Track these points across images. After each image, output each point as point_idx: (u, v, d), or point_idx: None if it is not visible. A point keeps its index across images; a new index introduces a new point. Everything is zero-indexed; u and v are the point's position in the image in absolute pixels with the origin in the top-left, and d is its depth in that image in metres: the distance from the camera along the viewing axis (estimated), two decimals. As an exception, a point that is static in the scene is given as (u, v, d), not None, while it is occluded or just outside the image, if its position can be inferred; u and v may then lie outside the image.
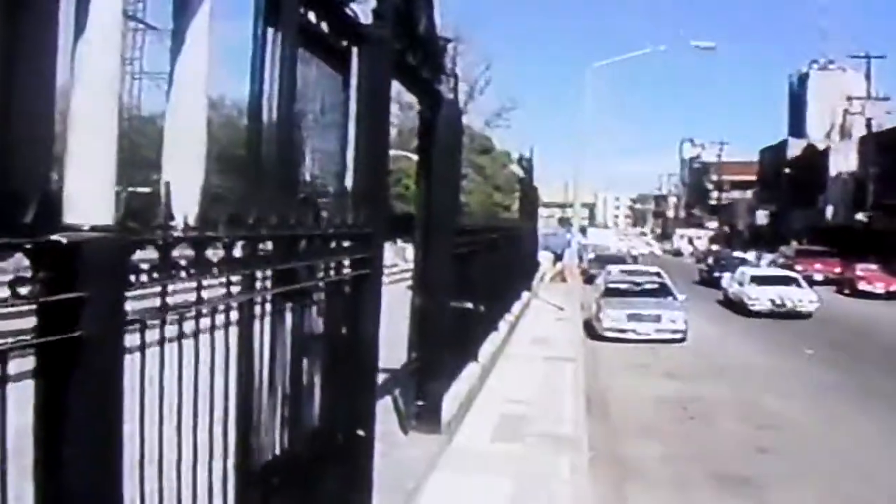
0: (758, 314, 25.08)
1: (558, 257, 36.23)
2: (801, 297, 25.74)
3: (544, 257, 32.27)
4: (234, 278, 3.39)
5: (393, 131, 41.23)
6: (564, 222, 41.94)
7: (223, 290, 3.29)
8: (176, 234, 2.73)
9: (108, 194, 19.68)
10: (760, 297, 25.73)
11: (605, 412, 11.56)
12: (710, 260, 44.65)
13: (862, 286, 35.64)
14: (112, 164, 18.32)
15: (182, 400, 3.02)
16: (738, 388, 13.21)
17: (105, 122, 17.86)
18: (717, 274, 36.42)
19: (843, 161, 55.84)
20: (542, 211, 59.70)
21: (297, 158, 4.44)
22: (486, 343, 13.08)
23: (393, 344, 8.43)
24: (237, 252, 3.31)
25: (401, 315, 8.30)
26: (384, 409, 8.93)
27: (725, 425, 11.08)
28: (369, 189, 5.08)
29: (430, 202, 8.00)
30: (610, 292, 20.94)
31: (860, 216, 48.53)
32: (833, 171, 57.50)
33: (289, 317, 4.19)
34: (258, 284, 3.66)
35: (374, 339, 5.52)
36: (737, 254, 52.84)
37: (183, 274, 2.78)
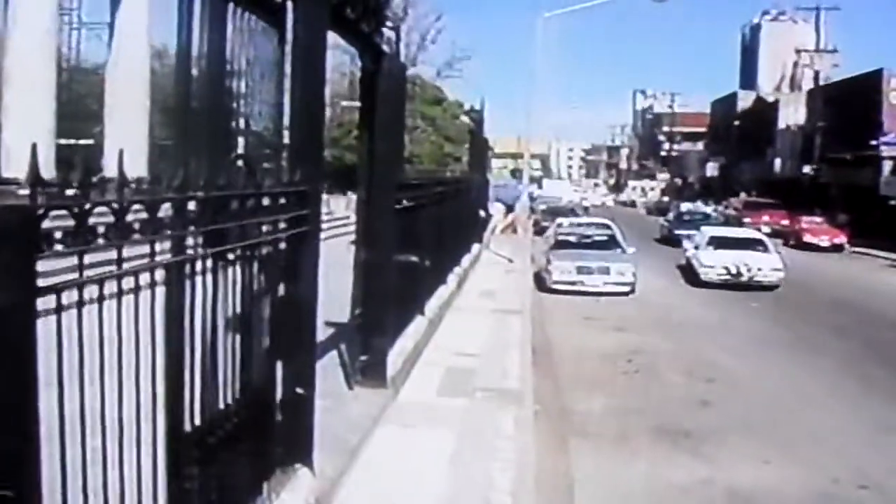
0: (706, 284, 20.92)
1: (510, 209, 36.31)
2: (763, 265, 21.10)
3: (496, 209, 32.31)
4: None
5: (345, 81, 40.76)
6: (516, 173, 41.82)
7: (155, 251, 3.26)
8: (92, 200, 2.64)
9: (47, 148, 19.24)
10: (715, 265, 21.22)
11: (552, 365, 11.69)
12: (672, 215, 39.65)
13: (807, 239, 36.30)
14: (51, 117, 17.89)
15: (108, 365, 3.00)
16: (683, 341, 13.42)
17: (42, 74, 17.39)
18: (678, 232, 32.08)
19: (792, 114, 56.48)
20: (494, 162, 59.64)
21: (231, 116, 4.35)
22: (434, 297, 13.11)
23: (344, 296, 8.41)
24: (164, 213, 3.26)
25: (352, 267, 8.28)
26: (332, 363, 8.95)
27: (669, 378, 11.26)
28: (306, 146, 5.01)
29: (372, 157, 7.93)
30: (559, 245, 21.06)
31: (807, 169, 49.29)
32: (782, 124, 58.15)
33: (222, 277, 4.14)
34: (189, 246, 3.62)
35: (312, 297, 5.49)
36: (705, 208, 51.87)
37: (101, 241, 2.72)
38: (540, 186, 78.04)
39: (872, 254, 33.30)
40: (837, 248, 35.52)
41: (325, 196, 31.41)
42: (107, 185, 2.85)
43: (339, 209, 27.19)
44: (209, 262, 3.85)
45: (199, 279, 3.83)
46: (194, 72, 3.87)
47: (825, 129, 47.16)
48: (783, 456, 7.81)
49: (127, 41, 19.82)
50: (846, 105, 43.13)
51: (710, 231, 24.70)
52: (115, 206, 2.79)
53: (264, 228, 4.49)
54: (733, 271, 20.93)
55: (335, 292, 8.32)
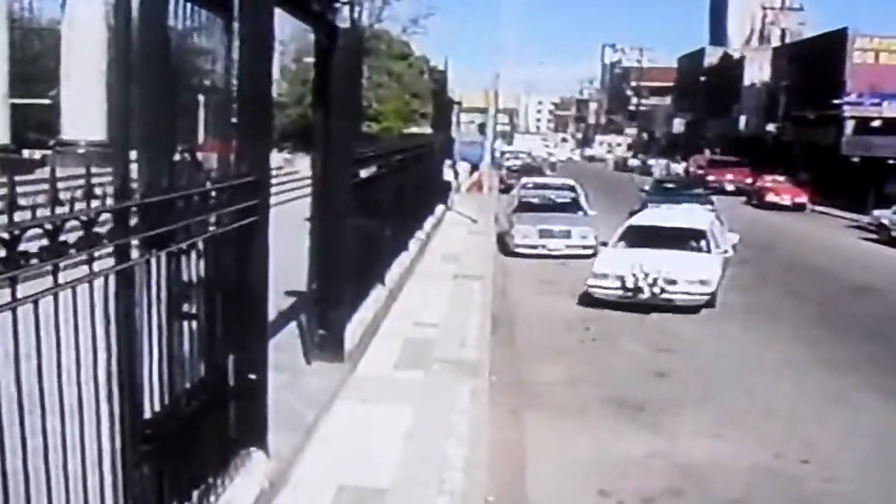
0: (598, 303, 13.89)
1: (475, 167, 36.28)
2: (684, 275, 13.60)
3: (461, 167, 32.26)
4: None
5: (310, 36, 40.04)
6: (483, 129, 41.68)
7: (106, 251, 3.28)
8: (22, 225, 2.63)
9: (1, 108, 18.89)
10: (609, 272, 13.91)
11: (511, 333, 11.80)
12: (649, 186, 31.66)
13: (770, 198, 36.65)
14: (4, 77, 17.51)
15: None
16: (642, 307, 13.53)
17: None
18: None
19: (757, 71, 56.64)
20: (462, 117, 59.37)
21: (176, 110, 4.31)
22: (395, 264, 13.14)
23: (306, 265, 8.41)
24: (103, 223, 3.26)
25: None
26: (291, 335, 8.99)
27: (627, 347, 11.41)
28: (253, 136, 4.98)
29: (327, 132, 7.89)
30: (522, 207, 21.14)
31: (771, 127, 49.63)
32: (747, 82, 58.35)
33: (169, 273, 4.16)
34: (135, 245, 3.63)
35: (263, 285, 5.51)
36: (676, 167, 50.19)
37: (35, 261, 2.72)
38: (509, 142, 77.99)
39: (833, 213, 33.73)
40: (799, 208, 35.92)
41: (289, 155, 31.16)
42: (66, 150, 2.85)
43: (305, 168, 27.00)
44: (154, 262, 3.86)
45: (145, 276, 3.86)
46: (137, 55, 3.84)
47: (789, 88, 47.39)
48: (735, 429, 7.97)
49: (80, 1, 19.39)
50: (810, 64, 43.35)
51: (647, 218, 17.12)
52: (48, 226, 2.77)
53: (212, 221, 4.49)
54: (629, 284, 13.55)
55: (299, 258, 8.36)
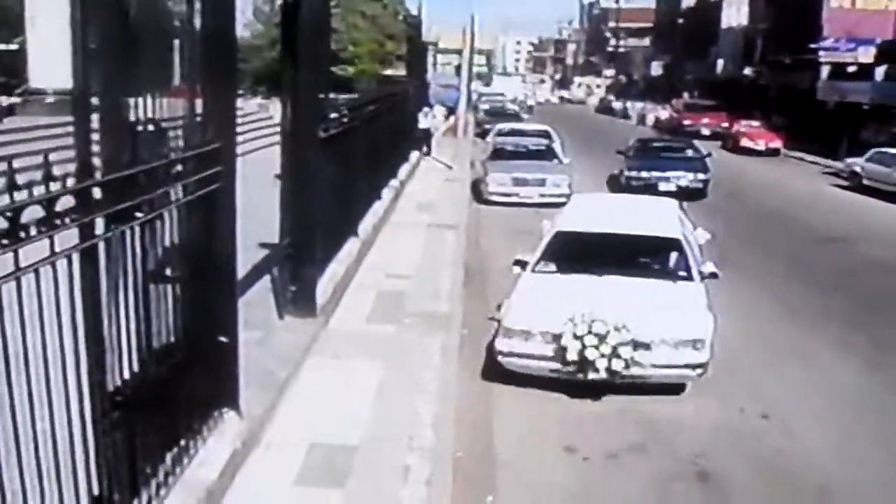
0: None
1: (451, 111, 36.05)
2: (658, 334, 8.05)
3: (437, 111, 32.07)
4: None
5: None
6: (459, 71, 41.29)
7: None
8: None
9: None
10: (531, 328, 8.35)
11: (483, 284, 11.87)
12: (630, 147, 23.92)
13: (744, 143, 36.69)
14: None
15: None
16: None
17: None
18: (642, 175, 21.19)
19: (736, 14, 56.28)
20: (439, 58, 58.78)
21: (135, 84, 4.28)
22: (369, 214, 13.16)
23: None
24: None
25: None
26: (265, 289, 9.01)
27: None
28: (217, 102, 4.95)
29: (296, 87, 7.83)
30: (497, 154, 21.09)
31: (748, 71, 49.53)
32: (725, 24, 58.01)
33: (135, 244, 4.17)
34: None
35: (231, 250, 5.53)
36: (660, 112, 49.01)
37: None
38: (487, 84, 77.33)
39: (807, 159, 33.89)
40: (773, 153, 36.03)
41: (264, 101, 30.78)
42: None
43: (279, 114, 26.77)
44: (118, 235, 3.87)
45: (109, 248, 3.87)
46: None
47: (767, 32, 47.19)
48: (701, 386, 8.10)
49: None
50: (788, 7, 43.11)
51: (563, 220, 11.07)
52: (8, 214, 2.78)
53: (178, 190, 4.49)
54: (571, 354, 8.28)
55: (275, 209, 8.35)
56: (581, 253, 9.37)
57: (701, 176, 21.26)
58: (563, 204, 18.96)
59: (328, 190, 9.45)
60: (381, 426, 6.66)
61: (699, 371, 7.95)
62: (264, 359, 7.35)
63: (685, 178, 20.96)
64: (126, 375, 4.26)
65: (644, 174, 20.95)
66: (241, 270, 7.28)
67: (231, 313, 5.76)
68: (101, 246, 3.68)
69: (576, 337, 7.80)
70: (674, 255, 9.61)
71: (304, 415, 6.73)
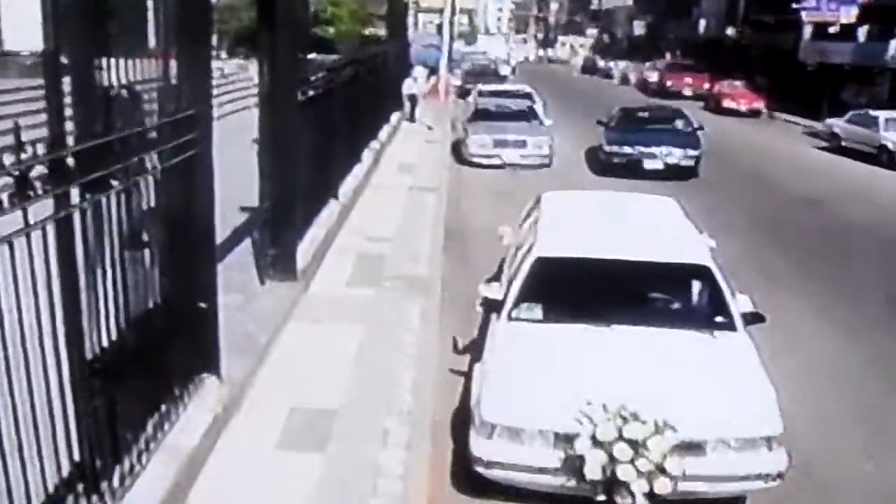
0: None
1: (433, 71, 35.78)
2: (714, 432, 5.50)
3: (418, 72, 31.82)
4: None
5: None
6: (441, 30, 40.89)
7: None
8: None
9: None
10: (525, 425, 5.63)
11: (463, 247, 11.91)
12: (612, 117, 21.21)
13: (726, 103, 36.70)
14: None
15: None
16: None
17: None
18: (625, 151, 18.77)
19: (719, -28, 55.99)
20: (422, 17, 58.15)
21: (108, 48, 4.23)
22: (349, 177, 13.13)
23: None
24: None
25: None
26: (246, 253, 9.00)
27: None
28: (192, 67, 4.91)
29: (273, 51, 7.77)
30: (478, 115, 21.00)
31: (730, 31, 49.36)
32: (708, -17, 57.70)
33: (112, 212, 4.16)
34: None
35: (209, 215, 5.52)
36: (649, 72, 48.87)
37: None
38: (469, 43, 76.70)
39: (789, 120, 33.94)
40: (755, 114, 36.05)
41: (243, 61, 30.32)
42: None
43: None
44: (93, 204, 3.86)
45: (85, 217, 3.86)
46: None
47: (750, -10, 47.02)
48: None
49: None
50: (771, -34, 42.95)
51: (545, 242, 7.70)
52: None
53: (154, 157, 4.47)
54: (592, 470, 5.18)
55: (255, 171, 8.32)
56: (574, 289, 6.79)
57: (692, 152, 18.65)
58: (545, 166, 19.33)
59: (307, 153, 9.41)
60: (361, 390, 6.71)
61: (773, 482, 5.55)
62: (245, 323, 7.37)
63: (674, 155, 18.49)
64: (105, 343, 4.28)
65: (627, 149, 18.61)
66: (221, 235, 7.28)
67: (210, 279, 5.76)
68: (77, 215, 3.67)
69: (597, 443, 5.27)
70: (703, 291, 7.14)
71: (285, 379, 6.77)
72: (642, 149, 18.50)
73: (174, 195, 4.81)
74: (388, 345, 7.48)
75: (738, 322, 6.55)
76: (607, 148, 19.11)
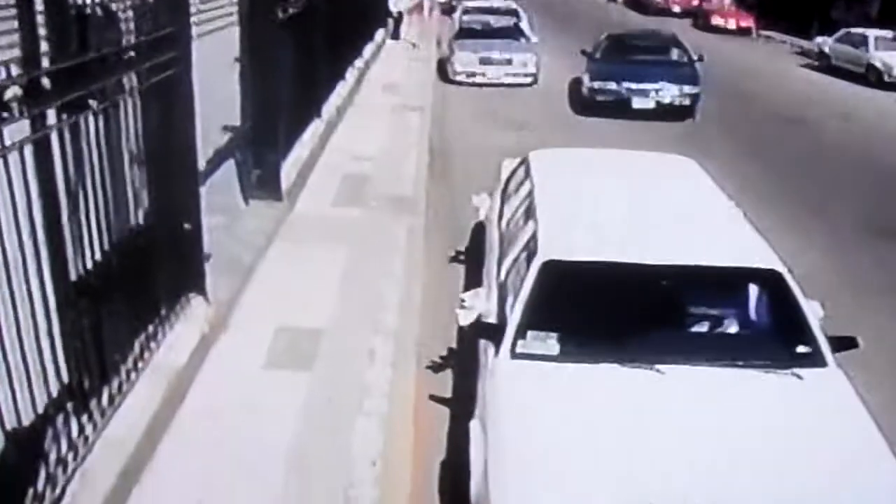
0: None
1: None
2: None
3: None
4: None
5: None
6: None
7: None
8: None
9: None
10: None
11: (448, 167, 11.87)
12: (599, 49, 18.42)
13: (715, 21, 36.26)
14: None
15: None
16: (584, 141, 13.49)
17: None
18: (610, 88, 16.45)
19: None
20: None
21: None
22: (333, 95, 12.97)
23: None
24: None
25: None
26: (230, 173, 8.93)
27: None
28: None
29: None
30: (463, 33, 20.70)
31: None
32: None
33: (90, 134, 4.12)
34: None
35: (190, 135, 5.47)
36: None
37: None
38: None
39: (778, 38, 33.60)
40: (745, 32, 35.63)
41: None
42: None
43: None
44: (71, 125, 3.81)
45: (63, 139, 3.82)
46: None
47: None
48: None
49: None
50: None
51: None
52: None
53: (132, 77, 4.40)
54: None
55: (238, 90, 8.21)
56: (598, 307, 4.99)
57: (688, 89, 16.16)
58: (530, 84, 19.08)
59: (289, 71, 9.28)
60: (347, 309, 6.76)
61: None
62: (230, 244, 7.37)
63: (668, 92, 16.08)
64: (89, 265, 4.28)
65: (612, 85, 16.17)
66: (204, 156, 7.21)
67: (194, 200, 5.74)
68: (55, 137, 3.63)
69: None
70: (773, 306, 5.29)
71: (271, 299, 6.80)
72: (631, 85, 16.07)
73: (155, 116, 4.75)
74: (373, 264, 7.50)
75: (827, 352, 4.70)
76: (590, 84, 16.60)
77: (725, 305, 5.50)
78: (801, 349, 4.80)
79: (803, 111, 18.16)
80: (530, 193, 6.33)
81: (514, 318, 4.87)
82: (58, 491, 3.83)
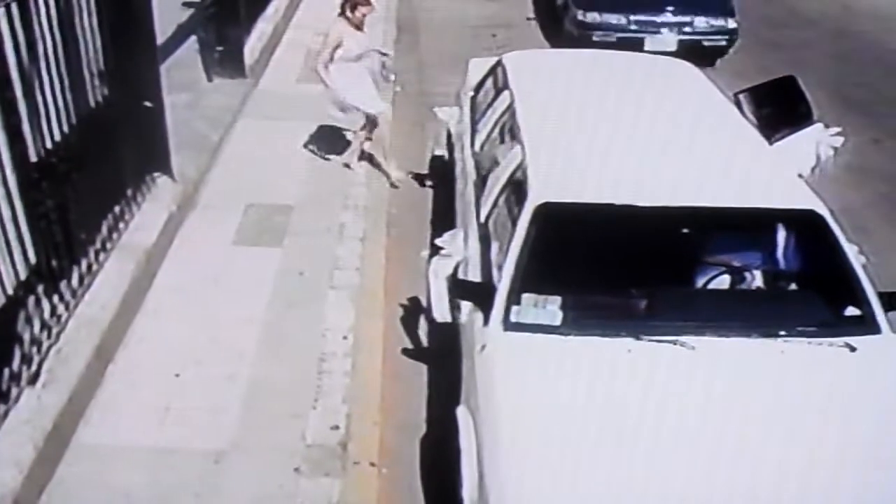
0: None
1: None
2: None
3: None
4: None
5: None
6: None
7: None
8: None
9: None
10: None
11: (416, 40, 11.60)
12: None
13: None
14: None
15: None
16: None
17: None
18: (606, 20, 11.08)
19: None
20: None
21: None
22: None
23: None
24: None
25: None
26: (192, 52, 8.71)
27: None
28: None
29: None
30: None
31: None
32: None
33: (42, 8, 4.01)
34: None
35: (146, 9, 5.33)
36: None
37: None
38: None
39: None
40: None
41: None
42: None
43: None
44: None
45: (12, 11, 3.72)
46: None
47: None
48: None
49: None
50: None
51: None
52: None
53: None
54: None
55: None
56: (608, 260, 3.97)
57: (722, 22, 11.13)
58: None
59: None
60: (316, 185, 6.75)
61: None
62: (195, 121, 7.28)
63: (694, 28, 11.11)
64: (49, 145, 4.22)
65: (615, 19, 11.12)
66: (164, 33, 7.06)
67: (153, 77, 5.65)
68: (2, 11, 3.52)
69: None
70: (815, 257, 4.29)
71: (239, 176, 6.78)
72: (641, 17, 11.07)
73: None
74: (342, 140, 7.43)
75: (881, 315, 3.82)
76: (581, 16, 11.28)
77: (757, 258, 4.46)
78: (850, 312, 3.89)
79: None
80: (510, 109, 5.19)
81: (504, 278, 3.87)
82: (34, 368, 3.89)
